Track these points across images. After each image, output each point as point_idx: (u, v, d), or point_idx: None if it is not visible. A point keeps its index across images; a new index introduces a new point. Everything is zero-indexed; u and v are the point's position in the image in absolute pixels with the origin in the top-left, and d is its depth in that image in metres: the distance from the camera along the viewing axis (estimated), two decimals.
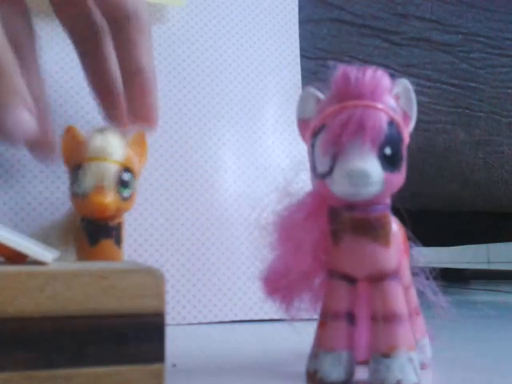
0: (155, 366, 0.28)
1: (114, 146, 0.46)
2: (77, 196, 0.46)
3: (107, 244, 0.48)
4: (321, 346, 0.31)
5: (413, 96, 0.33)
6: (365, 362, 0.31)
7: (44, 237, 0.48)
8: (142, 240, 0.55)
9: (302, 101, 0.34)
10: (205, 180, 0.60)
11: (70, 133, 0.49)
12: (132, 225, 0.54)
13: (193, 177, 0.60)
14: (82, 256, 0.48)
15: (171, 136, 0.60)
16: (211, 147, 0.61)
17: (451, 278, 1.42)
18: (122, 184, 0.47)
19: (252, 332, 0.52)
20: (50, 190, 0.55)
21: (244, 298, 0.56)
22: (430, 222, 0.98)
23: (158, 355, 0.28)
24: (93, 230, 0.48)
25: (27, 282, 0.27)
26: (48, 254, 0.32)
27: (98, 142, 0.46)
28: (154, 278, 0.28)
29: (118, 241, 0.49)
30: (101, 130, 0.47)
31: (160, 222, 0.57)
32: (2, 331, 0.26)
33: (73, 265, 0.32)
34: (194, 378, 0.34)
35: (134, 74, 0.48)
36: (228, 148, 0.62)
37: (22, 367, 0.26)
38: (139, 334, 0.28)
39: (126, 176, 0.47)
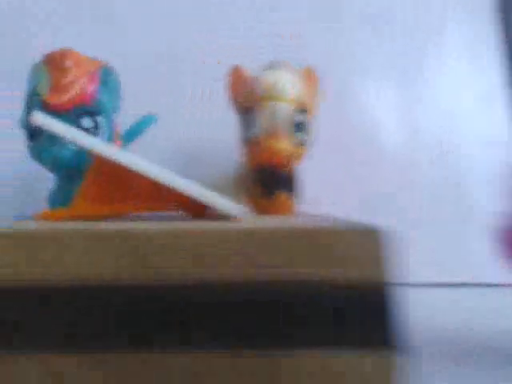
0: (384, 353, 0.22)
1: (287, 83, 0.40)
2: (247, 141, 0.41)
3: (283, 195, 0.43)
4: None
5: None
6: None
7: (213, 186, 0.44)
8: (318, 190, 0.49)
9: None
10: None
11: (237, 73, 0.43)
12: (307, 173, 0.48)
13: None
14: (256, 209, 0.43)
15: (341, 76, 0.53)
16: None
17: None
18: (298, 126, 0.40)
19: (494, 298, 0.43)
20: (216, 136, 0.50)
21: (479, 258, 0.48)
22: None
23: (385, 339, 0.22)
24: (267, 180, 0.42)
25: (220, 241, 0.22)
26: (239, 207, 0.27)
27: (269, 79, 0.40)
28: (373, 239, 0.22)
29: (295, 191, 0.43)
30: (271, 67, 0.41)
31: (337, 172, 0.50)
32: (186, 300, 0.22)
33: (269, 221, 0.27)
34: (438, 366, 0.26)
35: None
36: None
37: (212, 347, 0.22)
38: (360, 311, 0.22)
39: (302, 117, 0.41)
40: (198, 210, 0.28)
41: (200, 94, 0.51)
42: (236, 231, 0.22)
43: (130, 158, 0.26)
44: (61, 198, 0.40)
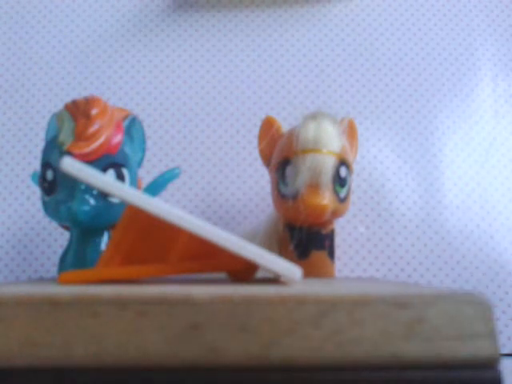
0: None
1: (330, 135, 0.37)
2: (284, 197, 0.38)
3: (319, 256, 0.39)
4: None
5: None
6: None
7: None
8: (352, 252, 0.45)
9: None
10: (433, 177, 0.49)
11: (269, 124, 0.41)
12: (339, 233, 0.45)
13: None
14: None
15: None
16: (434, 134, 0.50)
17: None
18: (339, 181, 0.37)
19: None
20: (244, 189, 0.47)
21: None
22: None
23: None
24: (302, 239, 0.39)
25: (294, 313, 0.18)
26: (295, 268, 0.23)
27: (311, 130, 0.37)
28: (480, 308, 0.18)
29: (332, 252, 0.39)
30: (313, 117, 0.38)
31: (372, 230, 0.46)
32: None
33: (341, 286, 0.23)
34: None
35: None
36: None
37: None
38: None
39: (343, 171, 0.37)
40: (248, 271, 0.24)
41: (227, 146, 0.48)
42: (314, 297, 0.18)
43: (173, 210, 0.23)
44: (77, 259, 0.36)
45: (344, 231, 0.46)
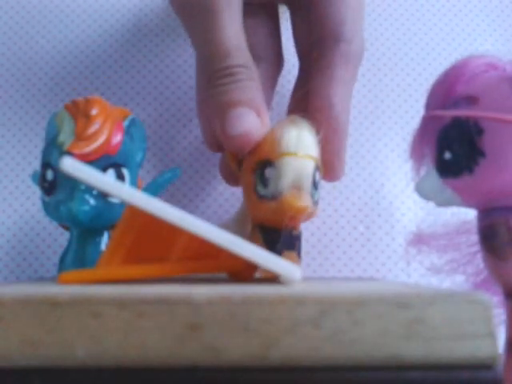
0: None
1: (310, 140, 0.37)
2: (263, 199, 0.37)
3: (290, 257, 0.39)
4: None
5: None
6: None
7: None
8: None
9: None
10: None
11: None
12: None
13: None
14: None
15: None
16: None
17: None
18: (315, 185, 0.38)
19: None
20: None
21: None
22: None
23: None
24: (274, 239, 0.38)
25: (294, 313, 0.18)
26: (296, 268, 0.23)
27: (293, 134, 0.37)
28: (480, 308, 0.18)
29: (300, 252, 0.40)
30: (293, 121, 0.38)
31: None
32: None
33: (341, 286, 0.23)
34: None
35: (321, 109, 0.39)
36: None
37: None
38: None
39: (318, 175, 0.38)
40: (248, 271, 0.24)
41: None
42: (314, 297, 0.18)
43: (173, 210, 0.23)
44: (77, 259, 0.36)
45: (344, 231, 0.46)
